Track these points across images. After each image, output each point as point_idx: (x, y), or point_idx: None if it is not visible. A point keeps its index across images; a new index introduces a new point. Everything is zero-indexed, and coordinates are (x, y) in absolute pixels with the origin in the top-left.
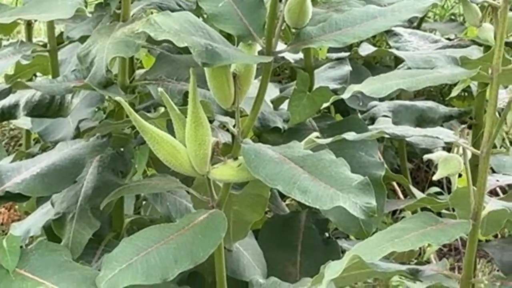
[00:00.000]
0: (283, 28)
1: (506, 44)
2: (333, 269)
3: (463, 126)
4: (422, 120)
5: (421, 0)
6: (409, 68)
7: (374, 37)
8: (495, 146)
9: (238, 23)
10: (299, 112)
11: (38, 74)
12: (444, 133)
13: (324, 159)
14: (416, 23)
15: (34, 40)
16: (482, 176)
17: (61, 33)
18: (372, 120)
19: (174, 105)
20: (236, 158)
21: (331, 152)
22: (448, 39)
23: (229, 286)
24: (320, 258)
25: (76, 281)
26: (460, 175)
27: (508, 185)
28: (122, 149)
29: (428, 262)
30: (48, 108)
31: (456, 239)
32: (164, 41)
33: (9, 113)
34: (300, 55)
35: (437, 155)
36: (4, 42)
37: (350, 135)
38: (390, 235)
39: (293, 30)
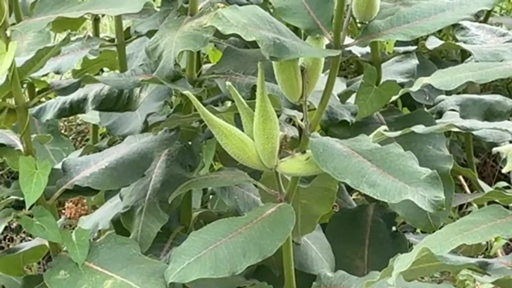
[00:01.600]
0: (350, 21)
1: None
2: (402, 262)
3: None
4: (490, 114)
5: None
6: (476, 61)
7: (440, 31)
8: None
9: (306, 17)
10: (367, 105)
11: (104, 69)
12: None
13: (392, 153)
14: (483, 17)
15: (101, 34)
16: None
17: (128, 28)
18: (440, 114)
19: (242, 98)
20: (304, 152)
21: (399, 146)
22: None
23: (297, 280)
24: (387, 251)
25: (145, 274)
26: None
27: None
28: (190, 143)
29: (495, 256)
30: (117, 102)
31: None
32: (231, 35)
33: (78, 107)
34: (367, 49)
35: (506, 148)
36: (72, 38)
37: (419, 128)
38: (459, 228)
39: (360, 25)
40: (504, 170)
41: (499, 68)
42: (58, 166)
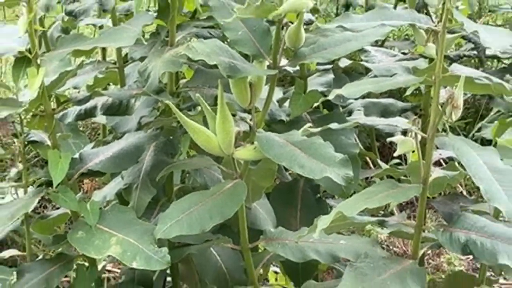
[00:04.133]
0: (284, 48)
1: (445, 57)
2: (323, 221)
3: (415, 116)
4: (386, 112)
5: (383, 27)
6: (375, 76)
7: (349, 53)
8: (437, 130)
9: (252, 46)
10: (297, 108)
11: (110, 84)
12: (401, 122)
13: (315, 143)
14: (380, 42)
15: (107, 59)
16: (429, 152)
17: (126, 54)
18: (350, 113)
19: (207, 105)
20: (252, 143)
21: (320, 138)
22: (403, 53)
23: (249, 234)
24: (314, 213)
25: (140, 233)
26: (413, 152)
27: (448, 158)
28: (171, 137)
29: (392, 214)
30: (118, 108)
31: (412, 197)
32: (200, 60)
33: (90, 112)
34: (297, 67)
35: (397, 138)
36: (86, 60)
37: (334, 125)
38: (364, 196)
39: (292, 50)
40: (395, 154)
41: (390, 81)
42: (77, 155)
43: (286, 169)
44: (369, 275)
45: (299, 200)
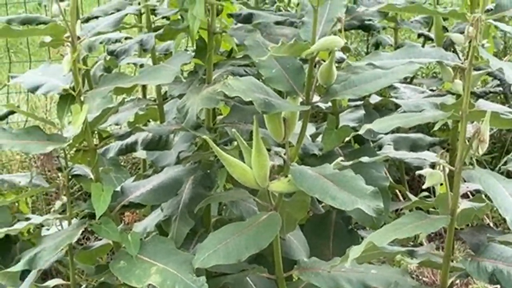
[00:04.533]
0: (317, 85)
1: (471, 93)
2: (355, 251)
3: (443, 150)
4: (414, 146)
5: (412, 65)
6: (404, 111)
7: (379, 89)
8: (465, 164)
9: (286, 83)
10: (329, 143)
11: (150, 120)
12: (429, 156)
13: (347, 176)
14: (409, 79)
15: (147, 97)
16: (457, 185)
17: (166, 92)
18: (380, 147)
19: (243, 140)
20: (286, 176)
21: (352, 171)
22: (432, 90)
23: (283, 264)
24: (346, 243)
25: (179, 263)
26: (441, 184)
27: (475, 190)
28: (208, 171)
29: (421, 244)
30: (158, 144)
31: (440, 228)
32: (236, 96)
33: (131, 147)
34: (329, 104)
35: (426, 171)
36: (127, 98)
37: (365, 159)
38: (394, 227)
39: (324, 87)
40: (424, 186)
41: (418, 116)
42: (118, 188)
43: (319, 201)
44: None
45: (332, 231)
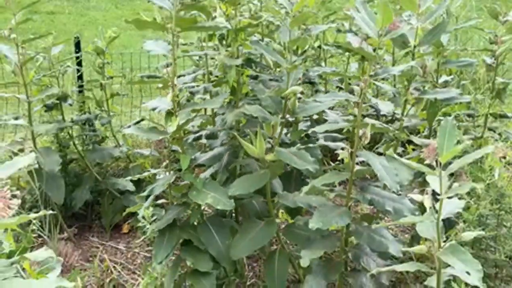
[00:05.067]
0: (288, 109)
1: (362, 115)
2: (305, 189)
3: (347, 141)
4: (334, 139)
5: (333, 100)
6: (329, 122)
7: (318, 112)
8: (357, 148)
9: (274, 108)
10: (293, 137)
11: (208, 126)
12: (341, 145)
13: (302, 152)
14: (332, 108)
15: (208, 113)
16: (353, 158)
17: (215, 112)
18: (317, 140)
19: (253, 135)
20: (273, 152)
21: (304, 151)
22: (342, 113)
23: (270, 194)
24: (299, 185)
25: (221, 193)
26: (346, 158)
27: (362, 161)
28: (235, 150)
29: (335, 187)
30: (212, 136)
31: (345, 179)
32: (249, 114)
33: (199, 138)
34: (294, 118)
35: (339, 151)
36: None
37: (310, 145)
38: (322, 178)
39: (291, 110)
40: (339, 158)
41: (336, 125)
42: (193, 157)
43: (288, 165)
44: (326, 214)
45: (293, 178)
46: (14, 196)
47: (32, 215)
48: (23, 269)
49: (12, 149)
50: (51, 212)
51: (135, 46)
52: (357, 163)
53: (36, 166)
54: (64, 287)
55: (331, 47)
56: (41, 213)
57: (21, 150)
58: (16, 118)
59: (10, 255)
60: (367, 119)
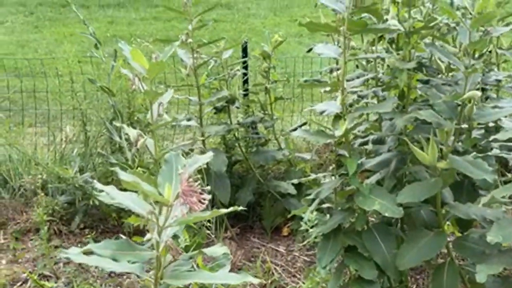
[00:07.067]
0: (463, 114)
1: None
2: (484, 199)
3: None
4: None
5: None
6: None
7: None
8: None
9: (448, 113)
10: (467, 144)
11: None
12: None
13: (478, 161)
14: None
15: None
16: None
17: (381, 116)
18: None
19: (425, 143)
20: (445, 160)
21: (481, 159)
22: None
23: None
24: (473, 196)
25: (389, 199)
26: None
27: None
28: (403, 156)
29: None
30: (379, 141)
31: None
32: (420, 119)
33: (365, 143)
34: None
35: None
36: None
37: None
38: (502, 189)
39: (467, 116)
40: None
41: None
42: (359, 162)
43: (458, 174)
44: (506, 228)
45: (464, 189)
46: (204, 191)
47: (223, 210)
48: (196, 264)
49: (184, 149)
50: (241, 208)
51: (292, 52)
52: None
53: (205, 166)
54: (250, 282)
55: (507, 51)
56: (232, 208)
57: (191, 150)
58: (189, 119)
59: (186, 249)
60: None
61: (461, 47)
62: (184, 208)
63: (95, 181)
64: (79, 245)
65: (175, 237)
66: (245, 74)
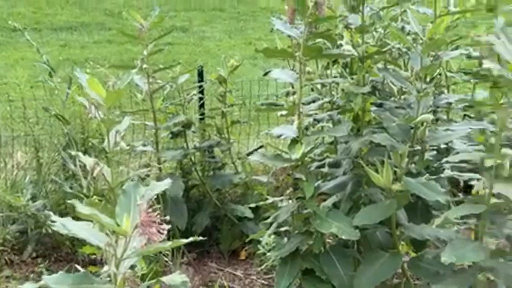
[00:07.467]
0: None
1: None
2: (437, 220)
3: None
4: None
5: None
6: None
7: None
8: None
9: (402, 137)
10: (420, 166)
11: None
12: None
13: (431, 183)
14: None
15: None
16: None
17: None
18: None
19: (380, 166)
20: (400, 182)
21: (433, 181)
22: None
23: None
24: (425, 217)
25: (345, 222)
26: None
27: None
28: (359, 179)
29: None
30: (334, 165)
31: None
32: (375, 143)
33: (321, 166)
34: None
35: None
36: None
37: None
38: (454, 210)
39: (420, 139)
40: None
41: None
42: (316, 184)
43: (412, 194)
44: (459, 248)
45: (419, 210)
46: (164, 221)
47: (183, 240)
48: None
49: (140, 174)
50: (201, 238)
51: (247, 74)
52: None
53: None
54: None
55: (456, 74)
56: (191, 239)
57: (147, 176)
58: (144, 145)
59: (143, 278)
60: (505, 150)
61: (413, 72)
62: (142, 239)
63: (50, 212)
64: (31, 275)
65: (131, 266)
66: (201, 99)
